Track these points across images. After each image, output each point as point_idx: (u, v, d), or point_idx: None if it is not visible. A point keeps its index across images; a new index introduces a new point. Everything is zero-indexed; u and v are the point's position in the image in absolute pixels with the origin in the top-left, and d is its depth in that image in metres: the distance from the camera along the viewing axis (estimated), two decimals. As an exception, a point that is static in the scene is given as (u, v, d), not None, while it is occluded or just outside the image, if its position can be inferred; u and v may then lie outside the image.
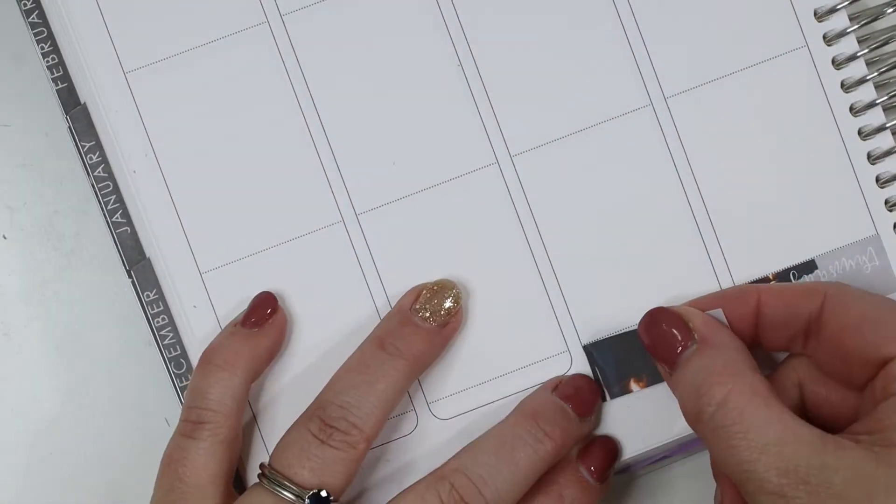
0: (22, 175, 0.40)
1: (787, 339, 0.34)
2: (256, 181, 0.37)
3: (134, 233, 0.38)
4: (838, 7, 0.37)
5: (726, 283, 0.37)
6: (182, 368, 0.37)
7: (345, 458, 0.33)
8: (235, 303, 0.37)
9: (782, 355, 0.36)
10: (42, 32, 0.38)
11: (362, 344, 0.35)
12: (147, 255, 0.37)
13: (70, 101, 0.38)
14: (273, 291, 0.37)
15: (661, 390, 0.37)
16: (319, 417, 0.34)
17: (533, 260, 0.37)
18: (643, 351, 0.36)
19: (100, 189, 0.37)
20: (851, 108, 0.37)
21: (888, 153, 0.37)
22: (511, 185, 0.37)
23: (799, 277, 0.37)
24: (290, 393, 0.37)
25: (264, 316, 0.36)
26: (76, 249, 0.40)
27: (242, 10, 0.38)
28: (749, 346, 0.34)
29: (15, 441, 0.39)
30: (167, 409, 0.39)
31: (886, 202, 0.37)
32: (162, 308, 0.37)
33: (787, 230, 0.37)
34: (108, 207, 0.37)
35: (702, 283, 0.37)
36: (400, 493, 0.34)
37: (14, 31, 0.39)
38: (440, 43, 0.38)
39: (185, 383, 0.36)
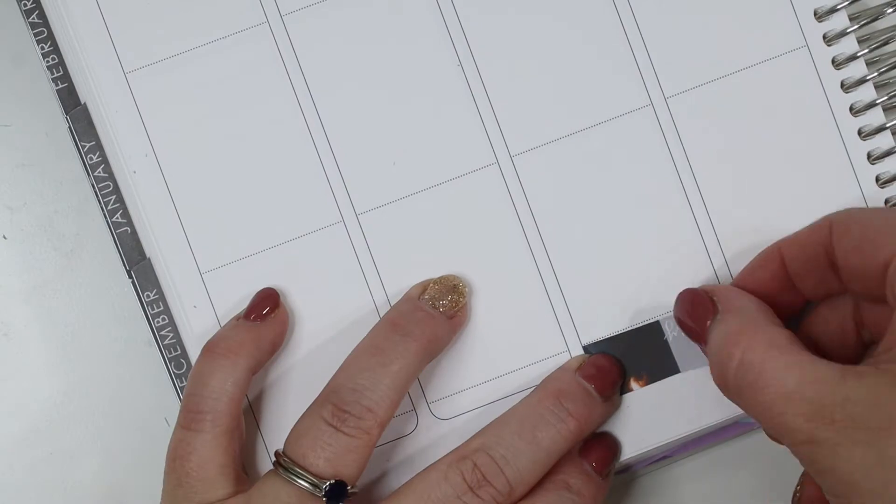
0: (22, 175, 0.40)
1: (821, 281, 0.34)
2: (257, 181, 0.37)
3: (134, 233, 0.38)
4: (838, 7, 0.37)
5: (726, 284, 0.37)
6: (182, 368, 0.37)
7: (359, 444, 0.33)
8: (235, 302, 0.37)
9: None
10: (42, 32, 0.38)
11: (374, 328, 0.35)
12: (147, 255, 0.37)
13: (70, 101, 0.38)
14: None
15: (660, 389, 0.37)
16: (332, 403, 0.33)
17: (533, 260, 0.37)
18: (642, 350, 0.36)
19: (100, 189, 0.37)
20: (851, 108, 0.37)
21: (888, 153, 0.37)
22: (511, 185, 0.37)
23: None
24: (290, 393, 0.37)
25: (267, 311, 0.36)
26: (76, 249, 0.40)
27: (243, 11, 0.38)
28: (796, 303, 0.34)
29: (15, 441, 0.39)
30: (167, 409, 0.39)
31: (886, 202, 0.37)
32: (162, 308, 0.37)
33: (787, 230, 0.37)
34: (108, 207, 0.37)
35: (703, 282, 0.37)
36: (422, 472, 0.34)
37: (14, 31, 0.39)
38: (440, 43, 0.38)
39: (185, 383, 0.36)
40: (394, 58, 0.38)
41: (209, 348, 0.35)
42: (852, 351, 0.34)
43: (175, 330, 0.37)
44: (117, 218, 0.38)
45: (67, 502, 0.39)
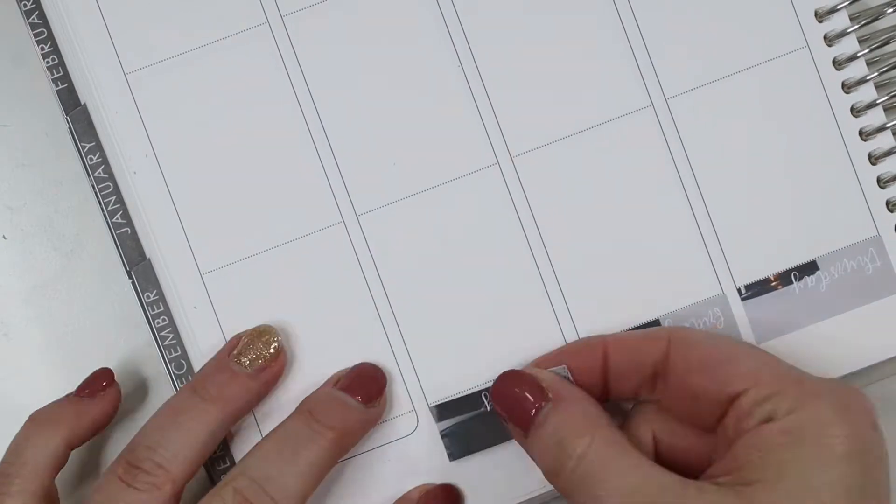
0: (22, 175, 0.40)
1: (635, 386, 0.35)
2: (257, 182, 0.37)
3: (134, 233, 0.37)
4: (839, 7, 0.37)
5: (727, 284, 0.37)
6: (182, 369, 0.37)
7: (149, 499, 0.33)
8: (235, 303, 0.37)
9: (630, 406, 0.36)
10: (42, 33, 0.38)
11: (177, 391, 0.36)
12: (147, 256, 0.37)
13: (70, 101, 0.38)
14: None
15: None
16: (126, 460, 0.34)
17: (533, 260, 0.37)
18: None
19: (100, 190, 0.37)
20: (852, 109, 0.37)
21: (889, 153, 0.37)
22: (511, 185, 0.37)
23: (800, 279, 0.37)
24: (289, 393, 0.37)
25: (98, 388, 0.37)
26: (76, 249, 0.40)
27: (243, 11, 0.37)
28: (599, 397, 0.34)
29: (15, 441, 0.39)
30: (167, 410, 0.39)
31: (888, 203, 0.37)
32: (162, 309, 0.37)
33: (788, 231, 0.37)
34: (109, 208, 0.37)
35: (703, 283, 0.37)
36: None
37: (14, 31, 0.39)
38: (441, 43, 0.37)
39: (185, 385, 0.36)
40: (394, 58, 0.37)
41: (32, 417, 0.36)
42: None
43: (175, 331, 0.37)
44: (117, 218, 0.37)
45: (67, 503, 0.39)
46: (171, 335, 0.37)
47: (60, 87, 0.37)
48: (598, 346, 0.35)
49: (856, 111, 0.37)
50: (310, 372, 0.37)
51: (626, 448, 0.32)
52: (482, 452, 0.37)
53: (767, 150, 0.37)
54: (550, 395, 0.33)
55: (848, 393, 0.31)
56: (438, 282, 0.37)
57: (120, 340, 0.40)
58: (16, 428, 0.34)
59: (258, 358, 0.36)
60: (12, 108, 0.40)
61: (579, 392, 0.34)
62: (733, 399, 0.31)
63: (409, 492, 0.37)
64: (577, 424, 0.32)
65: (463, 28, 0.38)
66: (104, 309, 0.39)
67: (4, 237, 0.40)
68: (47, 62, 0.37)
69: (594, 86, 0.37)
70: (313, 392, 0.36)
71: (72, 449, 0.36)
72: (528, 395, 0.34)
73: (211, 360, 0.36)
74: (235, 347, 0.36)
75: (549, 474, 0.33)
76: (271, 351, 0.36)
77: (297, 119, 0.37)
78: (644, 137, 0.37)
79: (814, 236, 0.37)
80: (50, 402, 0.36)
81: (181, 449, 0.34)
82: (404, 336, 0.37)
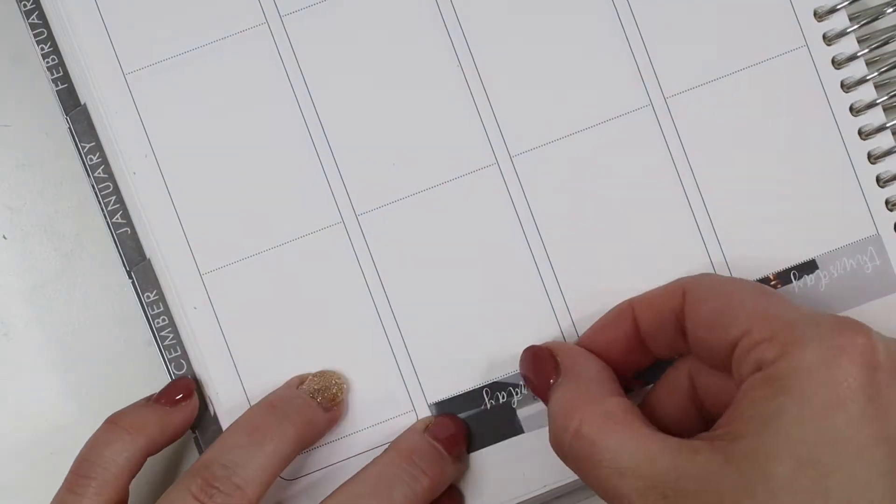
0: (22, 175, 0.40)
1: (668, 343, 0.34)
2: (256, 182, 0.37)
3: (134, 233, 0.37)
4: (838, 7, 0.37)
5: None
6: (182, 369, 0.37)
7: None
8: (235, 304, 0.37)
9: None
10: (42, 33, 0.38)
11: (251, 408, 0.35)
12: (147, 256, 0.37)
13: (70, 101, 0.38)
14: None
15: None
16: (202, 477, 0.33)
17: (532, 258, 0.37)
18: None
19: (100, 190, 0.37)
20: (852, 108, 0.37)
21: (888, 153, 0.37)
22: (511, 185, 0.37)
23: (800, 278, 0.37)
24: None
25: (179, 398, 0.36)
26: (76, 249, 0.40)
27: (242, 11, 0.37)
28: (642, 361, 0.35)
29: (15, 441, 0.39)
30: (167, 410, 0.39)
31: (887, 202, 0.37)
32: (162, 309, 0.37)
33: (787, 230, 0.37)
34: (109, 208, 0.37)
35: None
36: None
37: (14, 31, 0.39)
38: (439, 43, 0.37)
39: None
40: (393, 58, 0.37)
41: (113, 420, 0.35)
42: (694, 424, 0.34)
43: (175, 331, 0.37)
44: (117, 218, 0.37)
45: (67, 503, 0.39)
46: (171, 335, 0.37)
47: (60, 87, 0.38)
48: (627, 311, 0.35)
49: (855, 111, 0.37)
50: (308, 370, 0.37)
51: (622, 420, 0.31)
52: (483, 450, 0.37)
53: (766, 150, 0.37)
54: (562, 368, 0.34)
55: (841, 332, 0.29)
56: (437, 280, 0.37)
57: (120, 340, 0.40)
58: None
59: (326, 397, 0.36)
60: (12, 108, 0.40)
61: (590, 363, 0.34)
62: (733, 346, 0.30)
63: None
64: (571, 400, 0.32)
65: (462, 28, 0.38)
66: (104, 309, 0.39)
67: (4, 237, 0.40)
68: (47, 62, 0.37)
69: (593, 85, 0.37)
70: (407, 435, 0.36)
71: (148, 457, 0.35)
72: (545, 367, 0.34)
73: (280, 387, 0.36)
74: (303, 383, 0.36)
75: (557, 452, 0.32)
76: (338, 394, 0.36)
77: (296, 119, 0.37)
78: (643, 137, 0.37)
79: (813, 235, 0.37)
80: (129, 404, 0.36)
81: (260, 471, 0.33)
82: (403, 335, 0.37)
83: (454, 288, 0.37)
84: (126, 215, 0.37)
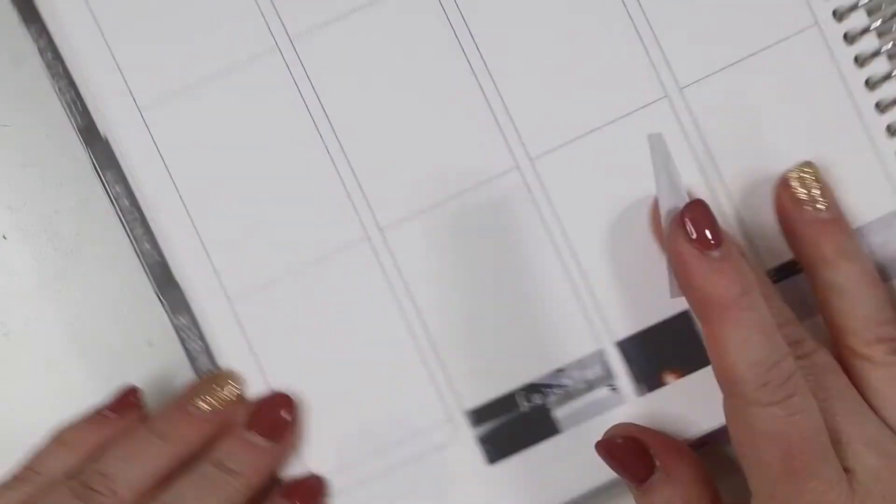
0: (22, 175, 0.40)
1: None
2: (279, 205, 0.37)
3: (163, 259, 0.38)
4: (846, -18, 0.37)
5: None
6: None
7: None
8: (265, 326, 0.37)
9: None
10: (58, 70, 0.38)
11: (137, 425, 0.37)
12: (176, 281, 0.37)
13: (91, 135, 0.37)
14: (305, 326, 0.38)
15: (696, 380, 0.37)
16: (80, 480, 0.35)
17: (560, 259, 0.37)
18: (675, 342, 0.36)
19: (126, 218, 0.37)
20: (867, 83, 0.37)
21: (908, 124, 0.37)
22: (533, 187, 0.37)
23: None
24: (320, 410, 0.37)
25: (125, 405, 0.37)
26: (76, 249, 0.40)
27: (250, 36, 0.37)
28: None
29: (15, 441, 0.37)
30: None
31: (909, 175, 0.37)
32: (194, 332, 0.38)
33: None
34: (135, 235, 0.37)
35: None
36: None
37: (14, 30, 0.38)
38: (452, 54, 0.37)
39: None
40: (406, 72, 0.37)
41: (56, 436, 0.36)
42: None
43: (210, 355, 0.37)
44: (145, 245, 0.37)
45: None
46: (205, 358, 0.37)
47: (81, 122, 0.37)
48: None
49: (871, 84, 0.37)
50: (343, 382, 0.37)
51: None
52: (520, 454, 0.37)
53: (785, 132, 0.37)
54: (658, 464, 0.34)
55: None
56: (467, 286, 0.37)
57: (120, 340, 0.40)
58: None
59: (216, 400, 0.37)
60: (12, 108, 0.40)
61: (686, 469, 0.35)
62: None
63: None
64: None
65: (474, 38, 0.37)
66: (104, 309, 0.39)
67: (4, 237, 0.40)
68: (65, 98, 0.37)
69: (606, 82, 0.37)
70: (219, 440, 0.37)
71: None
72: (639, 460, 0.35)
73: (171, 401, 0.37)
74: (192, 390, 0.37)
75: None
76: (227, 395, 0.37)
77: (314, 139, 0.37)
78: (662, 129, 0.36)
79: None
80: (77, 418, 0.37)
81: (134, 480, 0.35)
82: (435, 344, 0.37)
83: (483, 292, 0.37)
84: (153, 242, 0.37)
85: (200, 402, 0.37)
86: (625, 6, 0.37)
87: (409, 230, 0.37)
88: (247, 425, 0.37)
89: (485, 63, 0.37)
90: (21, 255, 0.40)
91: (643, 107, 0.37)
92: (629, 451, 0.35)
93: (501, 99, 0.37)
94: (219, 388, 0.37)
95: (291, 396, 0.37)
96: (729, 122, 0.37)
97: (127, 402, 0.37)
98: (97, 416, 0.37)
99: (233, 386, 0.37)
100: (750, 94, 0.37)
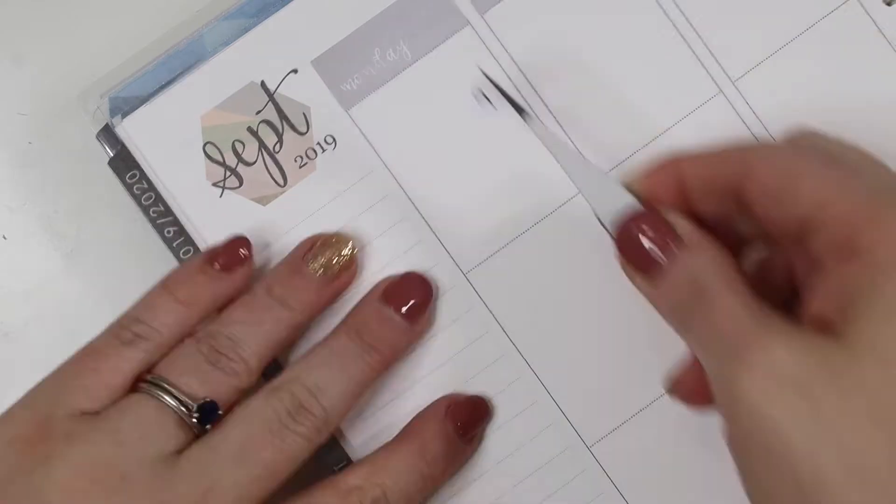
0: (22, 175, 0.40)
1: (714, 206, 0.31)
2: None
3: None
4: (879, -55, 0.37)
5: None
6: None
7: (233, 384, 0.34)
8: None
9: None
10: (161, 211, 0.38)
11: (254, 286, 0.36)
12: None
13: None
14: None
15: None
16: (209, 344, 0.34)
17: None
18: None
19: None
20: (916, 46, 0.37)
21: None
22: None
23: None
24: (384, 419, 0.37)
25: (236, 261, 0.36)
26: (76, 249, 0.40)
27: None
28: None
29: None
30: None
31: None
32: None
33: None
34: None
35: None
36: (245, 400, 0.34)
37: (14, 30, 0.39)
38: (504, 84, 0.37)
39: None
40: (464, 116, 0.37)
41: (169, 287, 0.35)
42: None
43: None
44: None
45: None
46: None
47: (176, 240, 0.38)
48: (670, 166, 0.31)
49: (923, 47, 0.37)
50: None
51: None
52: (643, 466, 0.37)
53: (838, 108, 0.37)
54: (684, 239, 0.30)
55: None
56: (565, 319, 0.37)
57: None
58: None
59: (333, 264, 0.36)
60: (12, 108, 0.40)
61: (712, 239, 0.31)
62: (805, 221, 0.28)
63: (438, 401, 0.36)
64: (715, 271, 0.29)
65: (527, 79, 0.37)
66: (104, 309, 0.37)
67: (4, 237, 0.40)
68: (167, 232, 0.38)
69: (658, 90, 0.37)
70: (359, 306, 0.36)
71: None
72: (660, 238, 0.30)
73: (284, 259, 0.36)
74: (310, 251, 0.36)
75: (678, 322, 0.30)
76: (346, 255, 0.36)
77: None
78: (720, 127, 0.37)
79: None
80: (182, 266, 0.36)
81: (258, 348, 0.34)
82: (550, 379, 0.37)
83: (581, 321, 0.37)
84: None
85: (316, 265, 0.36)
86: (662, 9, 0.37)
87: (491, 269, 0.37)
88: (383, 298, 0.35)
89: (541, 98, 0.37)
90: (21, 255, 0.40)
91: (698, 108, 0.37)
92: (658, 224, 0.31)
93: (563, 129, 0.37)
94: (334, 250, 0.36)
95: (429, 280, 0.36)
96: (786, 105, 0.36)
97: (238, 259, 0.35)
98: (209, 270, 0.35)
99: (349, 247, 0.36)
100: (801, 74, 0.37)
